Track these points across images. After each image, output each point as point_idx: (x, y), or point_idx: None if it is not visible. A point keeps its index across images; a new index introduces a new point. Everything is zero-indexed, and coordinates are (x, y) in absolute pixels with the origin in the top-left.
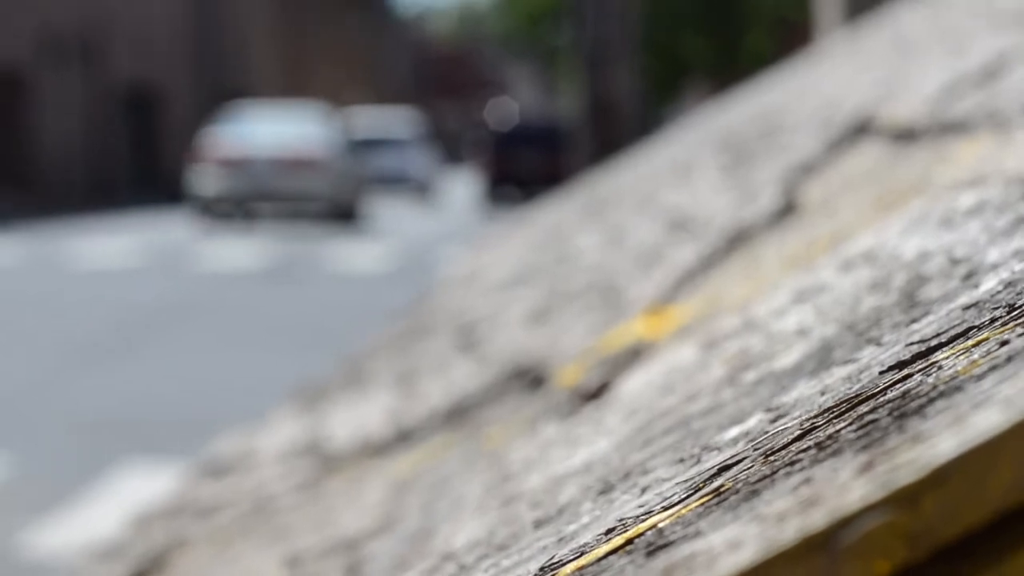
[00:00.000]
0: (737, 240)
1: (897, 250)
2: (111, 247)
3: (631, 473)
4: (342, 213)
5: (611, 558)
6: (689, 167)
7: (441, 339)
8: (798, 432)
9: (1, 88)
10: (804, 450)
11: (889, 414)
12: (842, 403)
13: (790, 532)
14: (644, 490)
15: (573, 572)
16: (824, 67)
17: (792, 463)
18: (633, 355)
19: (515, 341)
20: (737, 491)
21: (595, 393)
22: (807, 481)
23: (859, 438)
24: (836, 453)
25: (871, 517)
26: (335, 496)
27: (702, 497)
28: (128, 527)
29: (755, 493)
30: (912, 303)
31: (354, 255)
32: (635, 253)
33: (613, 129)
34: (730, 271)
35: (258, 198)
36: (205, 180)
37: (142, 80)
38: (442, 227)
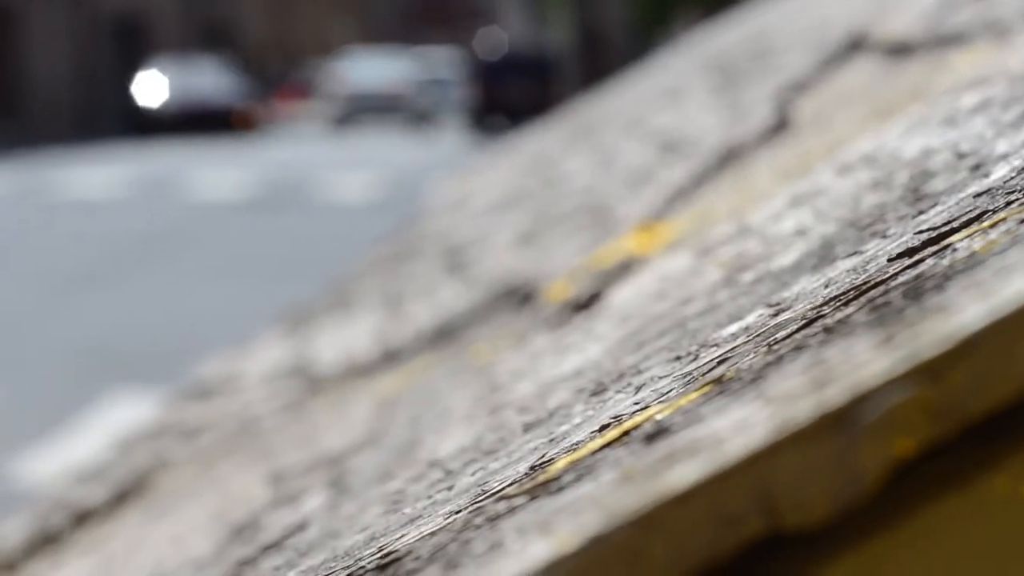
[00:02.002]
0: (728, 158)
1: (898, 151)
2: (98, 178)
3: (625, 374)
4: (419, 122)
5: (605, 451)
6: (678, 90)
7: (428, 262)
8: (803, 321)
9: None
10: (811, 336)
11: (903, 296)
12: (849, 291)
13: (804, 411)
14: (639, 388)
15: (565, 467)
16: None
17: (799, 348)
18: (624, 269)
19: (503, 263)
20: (740, 378)
21: (585, 304)
22: (818, 362)
23: (873, 319)
24: (848, 334)
25: (892, 392)
26: (320, 416)
27: (702, 387)
28: (111, 450)
29: (761, 378)
30: (918, 197)
31: (341, 184)
32: (624, 175)
33: (602, 58)
34: (721, 187)
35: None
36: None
37: (130, 11)
38: (430, 157)
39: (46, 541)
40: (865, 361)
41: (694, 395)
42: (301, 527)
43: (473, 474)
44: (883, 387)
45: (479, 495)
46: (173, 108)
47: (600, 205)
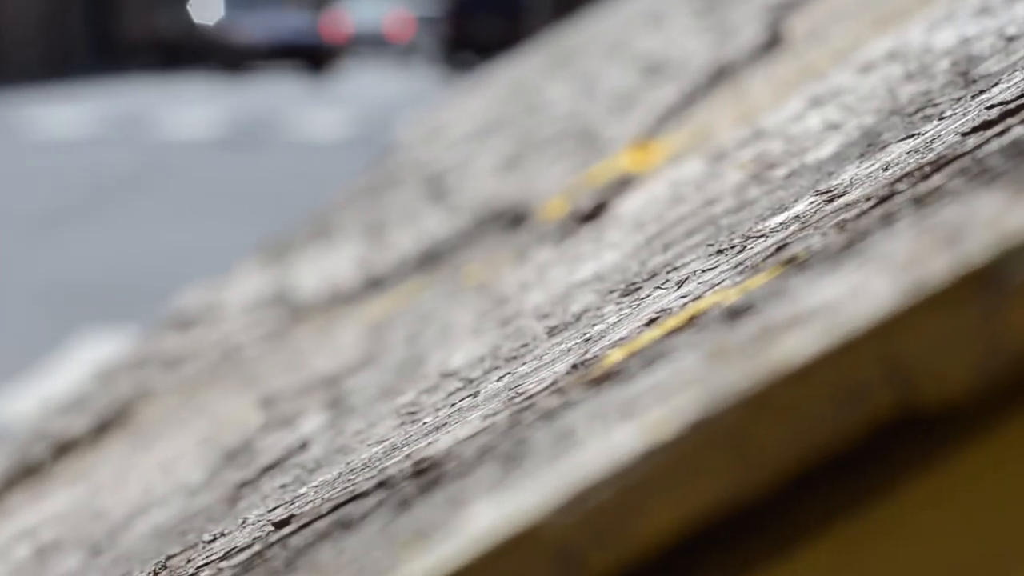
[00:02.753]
0: (720, 76)
1: (928, 44)
2: (68, 116)
3: (658, 273)
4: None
5: (670, 338)
6: (659, 14)
7: (408, 191)
8: (874, 200)
9: None
10: (898, 209)
11: (1007, 158)
12: (923, 167)
13: (937, 271)
14: (681, 283)
15: (625, 358)
16: None
17: (886, 218)
18: (623, 184)
19: (487, 188)
20: (821, 254)
21: (590, 215)
22: (936, 225)
23: (976, 184)
24: (954, 199)
25: None
26: (305, 342)
27: (772, 269)
28: (91, 381)
29: (851, 249)
30: (969, 80)
31: (313, 122)
32: (609, 99)
33: None
34: (716, 104)
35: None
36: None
37: None
38: (401, 93)
39: (27, 472)
40: (1000, 214)
41: (764, 277)
42: (303, 447)
43: (499, 379)
44: None
45: (515, 397)
46: (264, 45)
47: (586, 129)
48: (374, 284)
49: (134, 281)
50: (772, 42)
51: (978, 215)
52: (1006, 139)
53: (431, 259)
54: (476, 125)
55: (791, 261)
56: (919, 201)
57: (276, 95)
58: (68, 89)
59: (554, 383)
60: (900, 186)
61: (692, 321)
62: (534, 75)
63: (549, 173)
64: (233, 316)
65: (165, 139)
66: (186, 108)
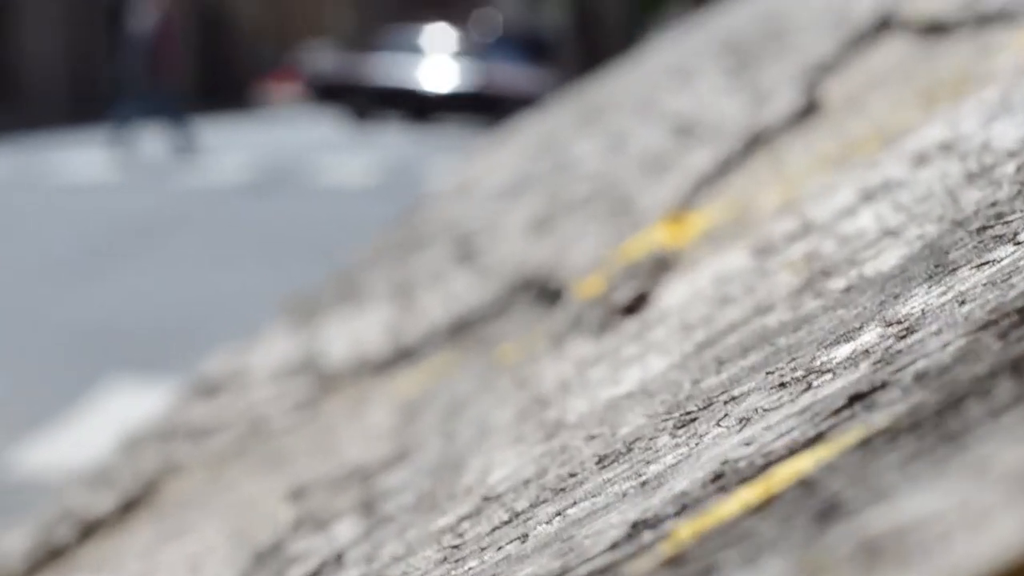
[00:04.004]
0: (755, 142)
1: (986, 139)
2: (95, 161)
3: (714, 401)
4: None
5: (750, 521)
6: (689, 71)
7: (437, 250)
8: (955, 351)
9: None
10: (989, 375)
11: None
12: (1010, 313)
13: None
14: (743, 422)
15: (694, 540)
16: None
17: (982, 393)
18: (660, 264)
19: (517, 252)
20: (912, 431)
21: (631, 306)
22: None
23: None
24: None
25: None
26: (335, 417)
27: (854, 435)
28: (117, 451)
29: (951, 436)
30: None
31: (339, 168)
32: (639, 160)
33: (598, 41)
34: (753, 174)
35: None
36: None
37: None
38: (427, 139)
39: (52, 554)
40: None
41: (841, 444)
42: (338, 559)
43: (549, 521)
44: None
45: (568, 552)
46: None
47: (618, 191)
48: (404, 354)
49: (162, 327)
50: (808, 108)
51: None
52: None
53: (462, 329)
54: (506, 181)
55: (872, 435)
56: (1016, 368)
57: (303, 140)
58: (94, 133)
59: (614, 546)
60: (986, 337)
61: (771, 501)
62: (563, 130)
63: (582, 241)
64: (260, 383)
65: (191, 185)
66: (214, 153)
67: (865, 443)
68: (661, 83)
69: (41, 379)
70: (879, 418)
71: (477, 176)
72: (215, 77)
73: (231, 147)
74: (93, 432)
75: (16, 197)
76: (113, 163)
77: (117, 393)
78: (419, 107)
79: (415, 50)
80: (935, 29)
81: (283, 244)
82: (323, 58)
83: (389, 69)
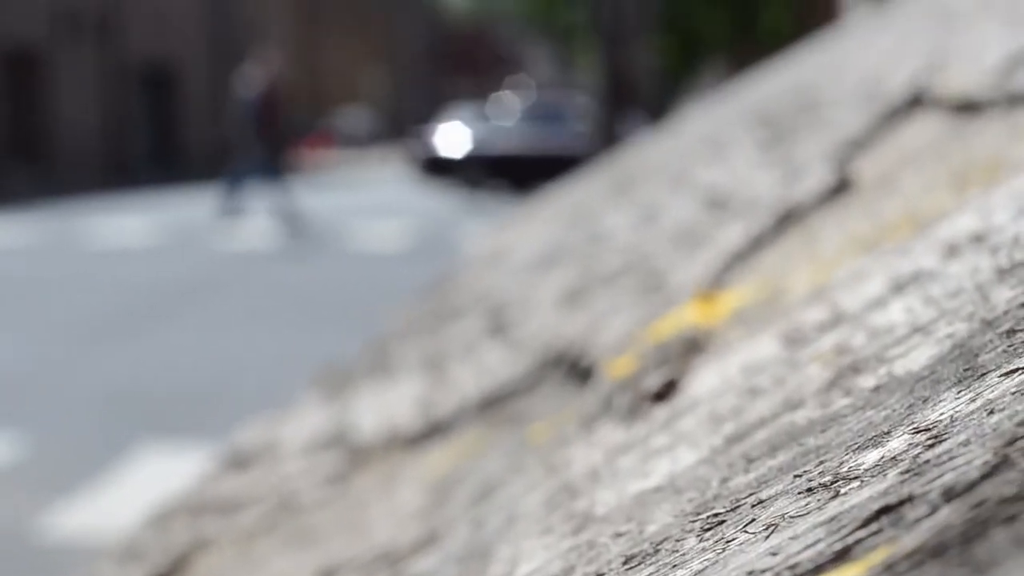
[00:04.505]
0: (788, 219)
1: (1017, 233)
2: (128, 226)
3: (741, 503)
4: None
5: None
6: (722, 143)
7: (469, 321)
8: (983, 466)
9: (17, 66)
10: (1014, 497)
11: None
12: None
13: None
14: (770, 529)
15: None
16: (858, 40)
17: (1007, 519)
18: (691, 346)
19: (549, 325)
20: (940, 553)
21: (662, 392)
22: None
23: None
24: None
25: None
26: (365, 494)
27: (882, 556)
28: (147, 524)
29: (973, 564)
30: None
31: (370, 232)
32: (672, 233)
33: (631, 105)
34: (785, 253)
35: None
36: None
37: (158, 57)
38: (458, 204)
39: None
40: None
41: (872, 561)
42: None
43: None
44: None
45: None
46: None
47: (648, 265)
48: (435, 428)
49: (193, 392)
50: (841, 185)
51: None
52: None
53: (493, 404)
54: (538, 251)
55: (899, 558)
56: None
57: (332, 206)
58: (127, 198)
59: None
60: (1012, 452)
61: None
62: (596, 199)
63: (613, 317)
64: (291, 456)
65: (223, 249)
66: (249, 217)
67: (890, 566)
68: (694, 154)
69: (73, 443)
70: (907, 540)
71: (510, 245)
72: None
73: (264, 211)
74: (123, 498)
75: (49, 261)
76: (148, 228)
77: (148, 458)
78: (524, 173)
79: (486, 119)
80: (967, 107)
81: (317, 308)
82: (426, 135)
83: (487, 140)
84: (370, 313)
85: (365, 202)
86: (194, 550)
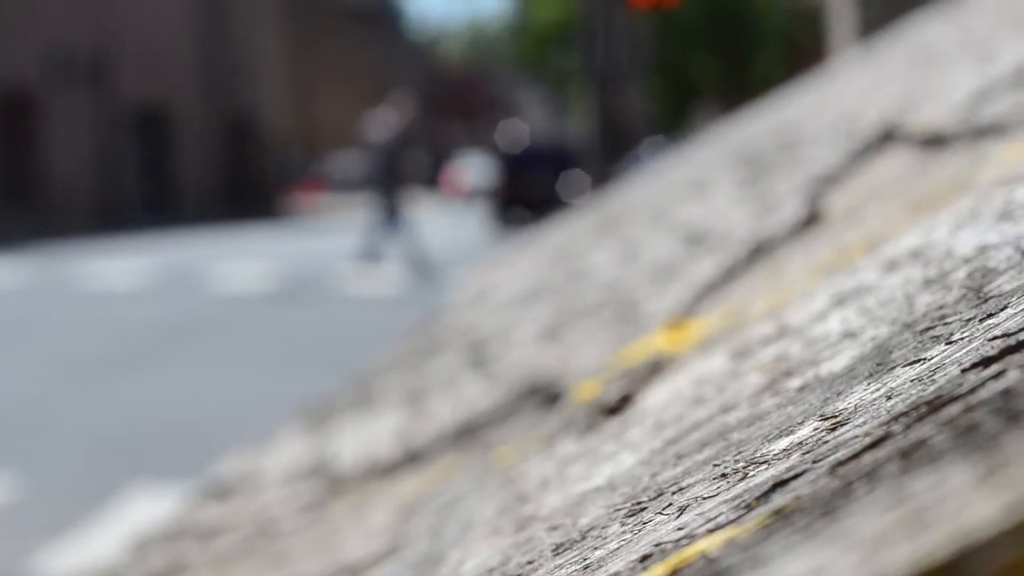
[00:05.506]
0: (758, 252)
1: (949, 246)
2: (119, 267)
3: (664, 492)
4: None
5: None
6: (704, 182)
7: (451, 356)
8: (868, 439)
9: (10, 109)
10: (884, 460)
11: (994, 416)
12: (920, 406)
13: (899, 561)
14: (682, 510)
15: None
16: (841, 81)
17: (871, 475)
18: (654, 368)
19: (527, 358)
20: (804, 510)
21: (616, 407)
22: (905, 498)
23: (961, 444)
24: (934, 462)
25: (1005, 547)
26: (340, 519)
27: (760, 518)
28: (127, 552)
29: (832, 512)
30: (981, 298)
31: (361, 276)
32: (650, 268)
33: (623, 150)
34: (753, 282)
35: None
36: None
37: (151, 100)
38: (452, 249)
39: None
40: (965, 503)
41: (750, 526)
42: None
43: None
44: (994, 540)
45: None
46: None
47: (626, 299)
48: (412, 458)
49: (182, 433)
50: (811, 218)
51: (943, 498)
52: (1000, 384)
53: (468, 433)
54: (521, 289)
55: (778, 513)
56: (905, 455)
57: (326, 249)
58: (120, 241)
59: None
60: (895, 426)
61: (674, 574)
62: (580, 239)
63: (587, 346)
64: (272, 485)
65: (215, 292)
66: (235, 261)
67: (765, 524)
68: (676, 194)
69: (64, 483)
70: (780, 500)
71: (496, 284)
72: (243, 185)
73: (257, 254)
74: (113, 539)
75: (41, 302)
76: (140, 269)
77: (139, 499)
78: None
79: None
80: (935, 141)
81: (307, 350)
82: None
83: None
84: (359, 354)
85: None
86: (171, 574)
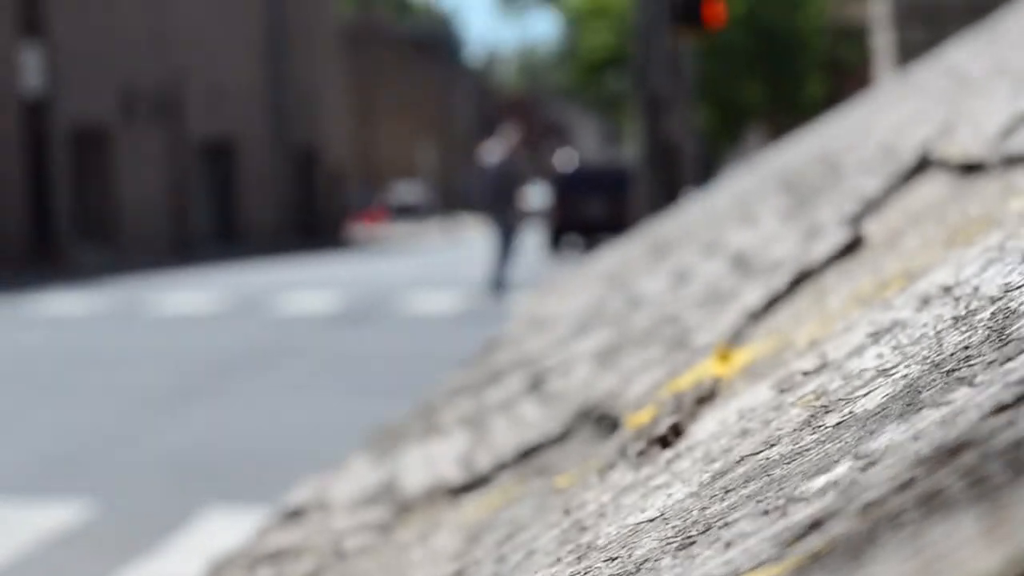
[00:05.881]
0: (803, 278)
1: (978, 284)
2: (190, 297)
3: (712, 526)
4: None
5: None
6: (752, 208)
7: (511, 382)
8: (895, 483)
9: (86, 144)
10: (907, 505)
11: (1003, 465)
12: (942, 451)
13: None
14: (728, 545)
15: None
16: (881, 107)
17: (895, 520)
18: (705, 397)
19: (584, 384)
20: (837, 551)
21: (667, 438)
22: (921, 548)
23: (972, 494)
24: (948, 510)
25: None
26: (407, 541)
27: (797, 558)
28: (203, 574)
29: (859, 555)
30: (1003, 340)
31: (426, 299)
32: (701, 294)
33: (675, 173)
34: (798, 309)
35: None
36: None
37: (218, 135)
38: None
39: None
40: (972, 554)
41: (788, 564)
42: None
43: None
44: None
45: None
46: None
47: (678, 325)
48: (475, 481)
49: (257, 458)
50: (853, 245)
51: (952, 549)
52: (1011, 434)
53: (529, 456)
54: (577, 314)
55: (815, 555)
56: (925, 502)
57: (387, 272)
58: (192, 272)
59: None
60: (919, 471)
61: None
62: (633, 264)
63: (641, 374)
64: (341, 510)
65: (285, 318)
66: (304, 289)
67: (802, 565)
68: (725, 219)
69: (140, 508)
70: (816, 540)
71: (552, 308)
72: (308, 216)
73: (323, 281)
74: (189, 562)
75: (117, 332)
76: (207, 300)
77: (213, 522)
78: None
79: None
80: (969, 169)
81: (375, 373)
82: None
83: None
84: (424, 376)
85: (420, 271)
86: None
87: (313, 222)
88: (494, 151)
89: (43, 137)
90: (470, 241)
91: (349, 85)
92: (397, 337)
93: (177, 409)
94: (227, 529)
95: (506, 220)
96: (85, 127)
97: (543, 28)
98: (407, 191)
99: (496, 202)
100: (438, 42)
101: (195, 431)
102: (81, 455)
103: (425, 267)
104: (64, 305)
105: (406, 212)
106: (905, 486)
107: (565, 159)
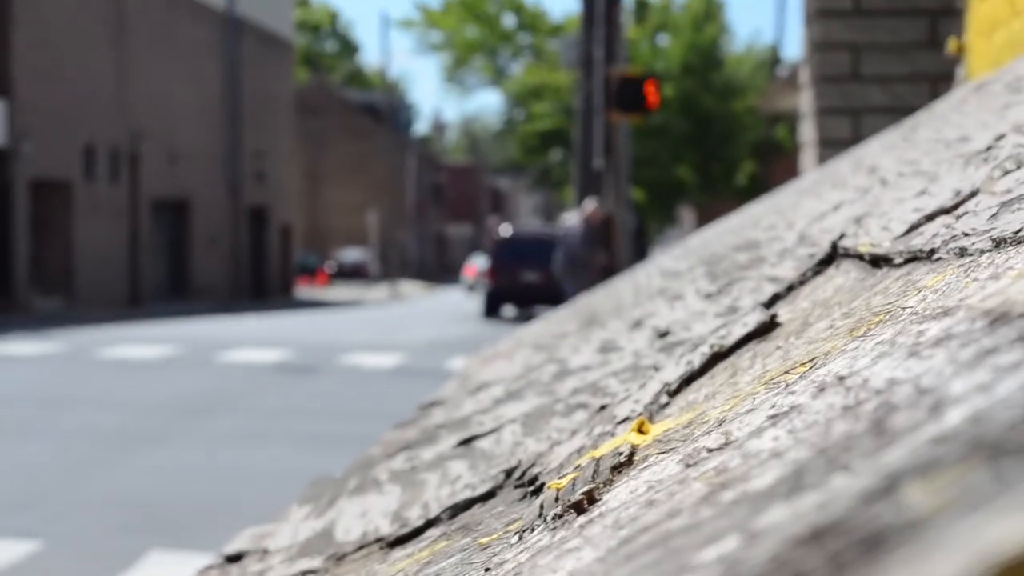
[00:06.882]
0: (720, 357)
1: (868, 377)
2: (141, 346)
3: None
4: None
5: None
6: (678, 287)
7: (444, 442)
8: (774, 564)
9: (50, 196)
10: None
11: (857, 549)
12: (812, 533)
13: None
14: None
15: None
16: (803, 196)
17: None
18: (622, 466)
19: (512, 446)
20: None
21: (583, 502)
22: None
23: (829, 573)
24: None
25: None
26: None
27: None
28: None
29: None
30: (880, 431)
31: (366, 355)
32: (626, 366)
33: (609, 243)
34: (713, 386)
35: None
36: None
37: (174, 194)
38: (443, 336)
39: None
40: None
41: None
42: None
43: None
44: None
45: None
46: None
47: (602, 395)
48: (407, 535)
49: (200, 504)
50: (766, 328)
51: None
52: (866, 524)
53: (457, 513)
54: (508, 380)
55: None
56: None
57: (331, 325)
58: (144, 322)
59: None
60: (796, 553)
61: None
62: (565, 336)
63: (567, 439)
64: (278, 559)
65: (233, 366)
66: (252, 342)
67: None
68: (653, 295)
69: (88, 549)
70: None
71: (487, 373)
72: (257, 275)
73: (270, 333)
74: None
75: (67, 378)
76: (157, 350)
77: (156, 567)
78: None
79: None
80: (876, 261)
81: (317, 422)
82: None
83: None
84: (363, 427)
85: (361, 335)
86: None
87: (262, 280)
88: (572, 219)
89: (5, 188)
90: (414, 302)
91: (299, 148)
92: (341, 390)
93: (126, 452)
94: (171, 573)
95: (579, 282)
96: (46, 180)
97: (487, 100)
98: (354, 254)
99: (571, 266)
100: (388, 110)
101: (142, 474)
102: (33, 494)
103: (363, 330)
104: (19, 349)
105: (353, 274)
106: (781, 565)
107: (501, 227)
